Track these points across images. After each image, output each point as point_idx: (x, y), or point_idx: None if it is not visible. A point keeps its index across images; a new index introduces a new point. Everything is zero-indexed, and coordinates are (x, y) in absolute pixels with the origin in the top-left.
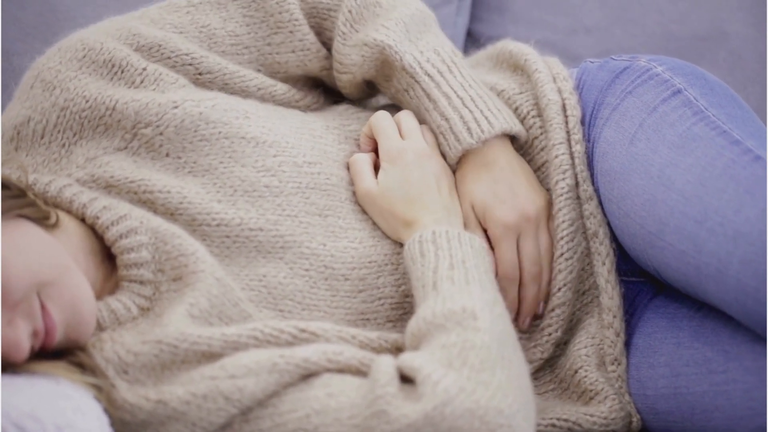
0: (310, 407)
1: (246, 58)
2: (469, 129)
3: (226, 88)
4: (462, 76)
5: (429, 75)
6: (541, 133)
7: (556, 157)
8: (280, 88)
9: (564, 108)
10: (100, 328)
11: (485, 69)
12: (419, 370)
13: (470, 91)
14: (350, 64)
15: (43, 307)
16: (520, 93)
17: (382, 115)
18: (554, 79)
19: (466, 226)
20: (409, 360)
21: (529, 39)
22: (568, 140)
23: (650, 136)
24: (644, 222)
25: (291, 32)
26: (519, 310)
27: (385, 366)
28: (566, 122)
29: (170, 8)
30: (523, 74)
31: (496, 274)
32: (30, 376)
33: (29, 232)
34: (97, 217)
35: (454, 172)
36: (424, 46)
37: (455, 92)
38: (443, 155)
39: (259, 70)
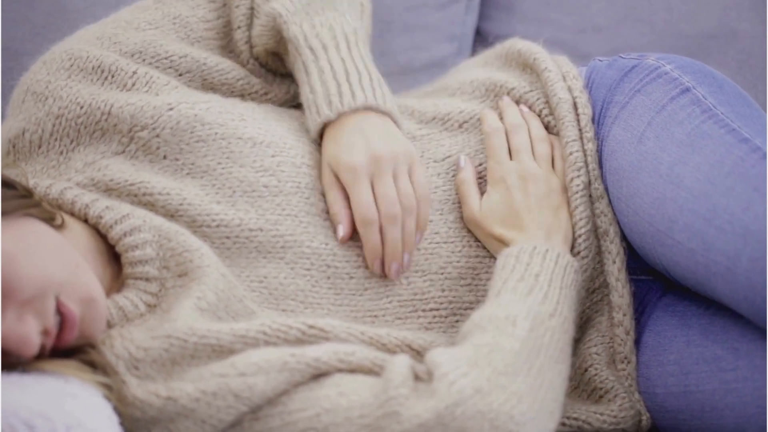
0: (321, 406)
1: (221, 43)
2: (330, 102)
3: (207, 84)
4: (348, 52)
5: (311, 48)
6: (556, 132)
7: (571, 154)
8: (255, 80)
9: (575, 106)
10: (108, 325)
11: (494, 67)
12: (439, 366)
13: (348, 65)
14: (255, 36)
15: (61, 303)
16: (531, 91)
17: (495, 129)
18: (564, 77)
19: (325, 191)
20: (435, 355)
21: (538, 37)
22: (581, 138)
23: (659, 135)
24: (653, 220)
25: (237, 7)
26: (383, 255)
27: (400, 366)
28: (578, 120)
29: (140, 8)
30: (533, 73)
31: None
32: (40, 375)
33: (39, 230)
34: (101, 217)
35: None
36: (320, 21)
37: (331, 66)
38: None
39: (229, 56)
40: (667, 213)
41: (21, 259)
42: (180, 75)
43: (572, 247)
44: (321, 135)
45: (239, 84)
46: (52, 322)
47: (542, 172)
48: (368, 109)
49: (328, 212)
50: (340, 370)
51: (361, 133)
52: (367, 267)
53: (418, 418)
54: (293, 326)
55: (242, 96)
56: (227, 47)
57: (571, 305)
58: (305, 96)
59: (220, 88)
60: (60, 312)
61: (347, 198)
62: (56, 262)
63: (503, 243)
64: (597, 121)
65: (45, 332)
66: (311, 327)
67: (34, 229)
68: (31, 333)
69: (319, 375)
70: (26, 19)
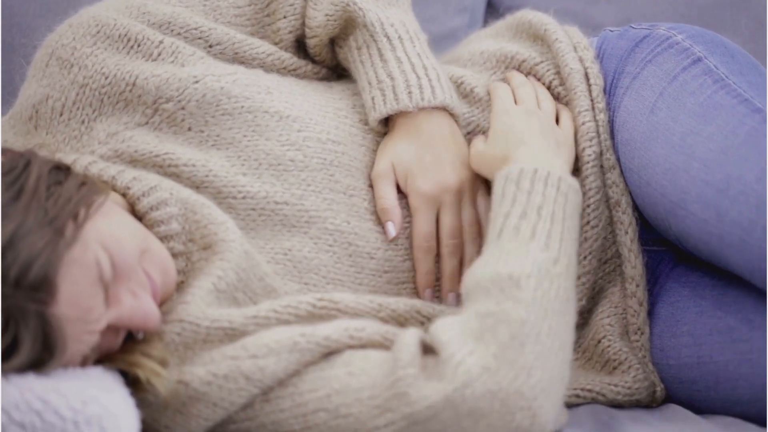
0: (331, 387)
1: (248, 30)
2: (410, 92)
3: (237, 57)
4: (421, 48)
5: (388, 37)
6: (566, 103)
7: (583, 124)
8: (286, 54)
9: (587, 76)
10: None
11: (505, 39)
12: (445, 346)
13: (425, 61)
14: (316, 27)
15: (146, 272)
16: (541, 62)
17: (500, 85)
18: (575, 48)
19: (378, 181)
20: (440, 331)
21: (549, 8)
22: (593, 108)
23: (671, 105)
24: (665, 191)
25: None
26: (441, 284)
27: (407, 344)
28: (590, 90)
29: None
30: (544, 44)
31: (411, 245)
32: None
33: (113, 208)
34: (128, 188)
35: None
36: (391, 15)
37: (409, 58)
38: (367, 112)
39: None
40: (680, 184)
41: (121, 238)
42: (210, 46)
43: (581, 216)
44: (384, 120)
45: (269, 59)
46: (149, 288)
47: (546, 116)
48: (444, 108)
49: (353, 192)
50: (350, 347)
51: (436, 151)
52: (388, 250)
53: (427, 400)
54: (303, 301)
55: (265, 68)
56: (256, 34)
57: (575, 238)
58: (380, 79)
59: (250, 62)
60: (150, 286)
61: (399, 193)
62: (134, 234)
63: (504, 159)
64: (608, 91)
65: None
66: (320, 299)
67: (109, 207)
68: (152, 305)
69: (330, 353)
70: None
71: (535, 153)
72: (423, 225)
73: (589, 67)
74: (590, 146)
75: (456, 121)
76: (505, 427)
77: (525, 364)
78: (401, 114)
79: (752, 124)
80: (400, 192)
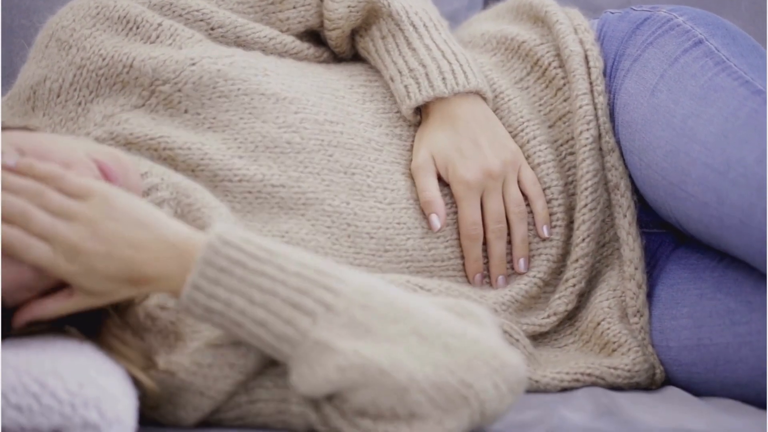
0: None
1: (251, 17)
2: (444, 78)
3: (239, 41)
4: (447, 35)
5: (414, 25)
6: (564, 84)
7: (580, 107)
8: (288, 38)
9: (586, 59)
10: None
11: (506, 21)
12: None
13: (453, 47)
14: (337, 19)
15: (95, 160)
16: (541, 44)
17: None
18: (575, 30)
19: (419, 173)
20: None
21: None
22: (591, 91)
23: (672, 87)
24: (666, 173)
25: None
26: (489, 270)
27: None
28: (589, 73)
29: None
30: (544, 26)
31: (458, 234)
32: (54, 337)
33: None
34: None
35: (418, 124)
36: (413, 3)
37: (437, 45)
38: (401, 101)
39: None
40: (680, 166)
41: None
42: (212, 29)
43: (577, 199)
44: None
45: (271, 43)
46: (99, 173)
47: None
48: (478, 93)
49: (354, 170)
50: None
51: (473, 136)
52: (388, 229)
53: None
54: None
55: (265, 51)
56: (260, 21)
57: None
58: (411, 67)
59: (251, 46)
60: (100, 169)
61: (441, 182)
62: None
63: None
64: (609, 74)
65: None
66: None
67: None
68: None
69: None
70: None
71: None
72: (470, 213)
73: (589, 49)
74: (587, 129)
75: (488, 104)
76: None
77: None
78: (435, 101)
79: (753, 106)
80: (441, 181)
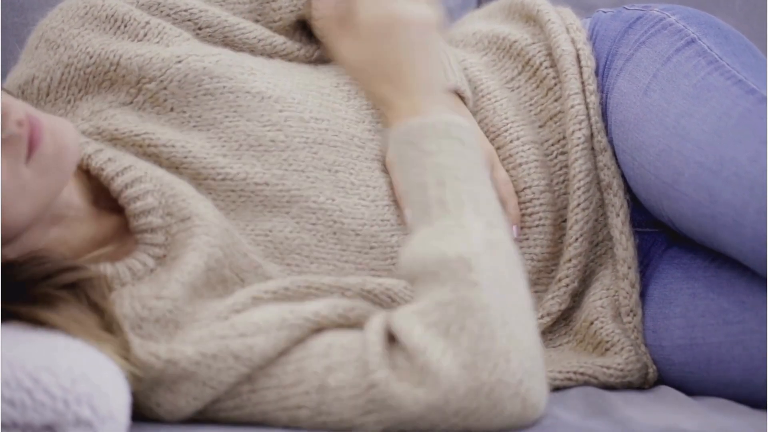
0: (310, 384)
1: (246, 8)
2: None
3: (227, 41)
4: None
5: None
6: (555, 84)
7: (572, 107)
8: (279, 38)
9: (578, 58)
10: (121, 284)
11: (498, 20)
12: (417, 352)
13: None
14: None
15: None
16: (533, 44)
17: None
18: (567, 29)
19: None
20: (405, 331)
21: None
22: (583, 91)
23: (664, 87)
24: (659, 172)
25: None
26: None
27: (372, 343)
28: (581, 73)
29: None
30: (536, 25)
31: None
32: (47, 331)
33: None
34: (102, 169)
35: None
36: None
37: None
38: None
39: (257, 20)
40: (673, 165)
41: None
42: (200, 29)
43: (572, 199)
44: None
45: (260, 44)
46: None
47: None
48: (456, 92)
49: (338, 167)
50: (339, 325)
51: None
52: (373, 226)
53: (409, 409)
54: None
55: (253, 52)
56: (254, 11)
57: (490, 187)
58: None
59: (240, 47)
60: (30, 124)
61: None
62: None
63: (385, 105)
64: (601, 73)
65: (19, 123)
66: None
67: None
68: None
69: (320, 329)
70: None
71: (416, 103)
72: None
73: (580, 48)
74: (579, 129)
75: (466, 104)
76: (498, 417)
77: (501, 350)
78: None
79: (746, 105)
80: None
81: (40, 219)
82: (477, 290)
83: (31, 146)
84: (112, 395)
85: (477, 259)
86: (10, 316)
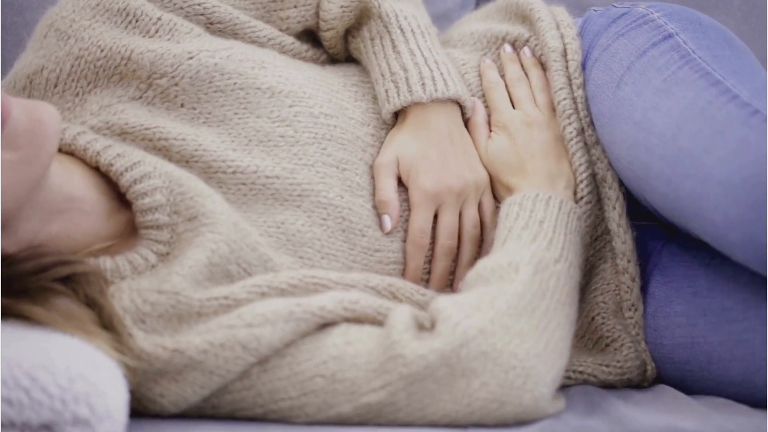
0: (328, 353)
1: (253, 14)
2: (423, 84)
3: (237, 38)
4: (432, 43)
5: (401, 29)
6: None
7: (559, 102)
8: (288, 38)
9: (565, 53)
10: (120, 277)
11: (494, 20)
12: (442, 310)
13: (436, 56)
14: (331, 19)
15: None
16: (528, 41)
17: (495, 83)
18: (558, 26)
19: (380, 172)
20: (437, 302)
21: None
22: (570, 85)
23: (636, 80)
24: (632, 167)
25: None
26: (429, 280)
27: (402, 315)
28: (567, 67)
29: None
30: (531, 24)
31: (406, 239)
32: (44, 329)
33: None
34: (111, 165)
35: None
36: (404, 7)
37: (421, 51)
38: (381, 105)
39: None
40: (642, 160)
41: None
42: (211, 23)
43: (575, 193)
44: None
45: (270, 44)
46: None
47: (545, 119)
48: (456, 101)
49: (346, 166)
50: (346, 319)
51: (443, 149)
52: (376, 230)
53: (423, 360)
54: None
55: (263, 47)
56: (261, 19)
57: (577, 250)
58: (393, 71)
59: (250, 43)
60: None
61: (400, 186)
62: None
63: (508, 189)
64: (582, 65)
65: None
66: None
67: None
68: None
69: (325, 324)
70: None
71: (537, 185)
72: (420, 221)
73: (568, 43)
74: (570, 124)
75: (464, 113)
76: (500, 386)
77: (521, 331)
78: (413, 106)
79: (708, 98)
80: (402, 185)
81: (35, 206)
82: (515, 284)
83: (2, 122)
84: (110, 394)
85: (525, 266)
86: None
